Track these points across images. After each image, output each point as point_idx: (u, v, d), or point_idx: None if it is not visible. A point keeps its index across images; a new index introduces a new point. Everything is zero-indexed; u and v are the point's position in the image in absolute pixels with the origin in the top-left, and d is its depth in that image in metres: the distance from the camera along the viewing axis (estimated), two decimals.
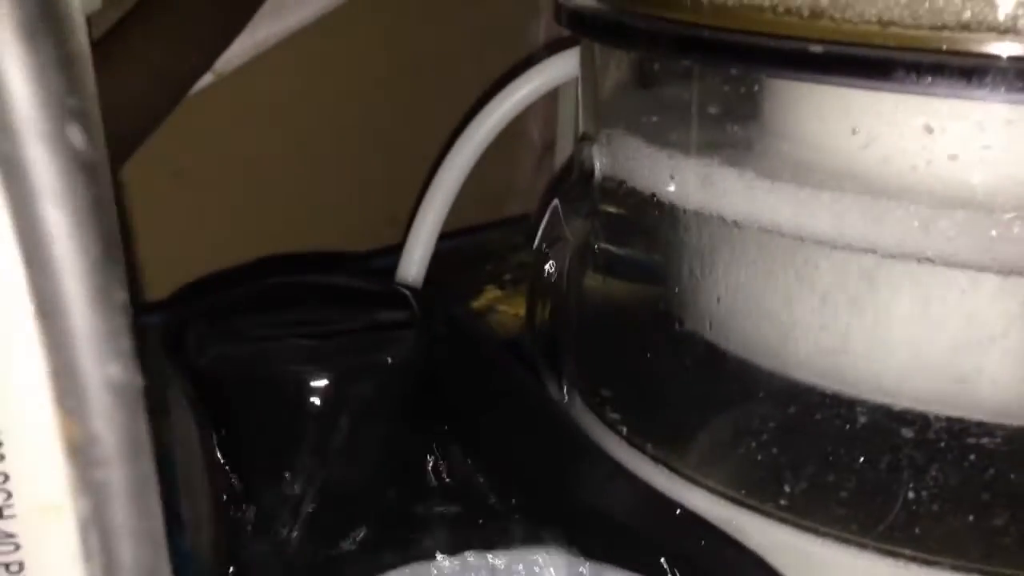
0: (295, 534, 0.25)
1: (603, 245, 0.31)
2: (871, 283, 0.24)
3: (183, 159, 0.43)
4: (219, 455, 0.25)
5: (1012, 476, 0.24)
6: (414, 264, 0.38)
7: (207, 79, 0.40)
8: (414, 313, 0.29)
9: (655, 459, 0.28)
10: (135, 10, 0.37)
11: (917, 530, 0.25)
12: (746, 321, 0.26)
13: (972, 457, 0.24)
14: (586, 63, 0.31)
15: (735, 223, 0.25)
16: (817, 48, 0.22)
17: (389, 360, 0.27)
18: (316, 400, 0.26)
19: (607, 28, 0.28)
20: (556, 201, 0.31)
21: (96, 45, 0.36)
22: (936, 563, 0.24)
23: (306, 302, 0.30)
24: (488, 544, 0.24)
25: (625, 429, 0.30)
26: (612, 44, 0.29)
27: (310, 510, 0.26)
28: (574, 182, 0.30)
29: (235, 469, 0.25)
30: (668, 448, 0.28)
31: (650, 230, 0.28)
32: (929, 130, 0.22)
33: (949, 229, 0.22)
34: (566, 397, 0.32)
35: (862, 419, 0.25)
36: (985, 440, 0.24)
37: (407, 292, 0.30)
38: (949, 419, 0.24)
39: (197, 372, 0.26)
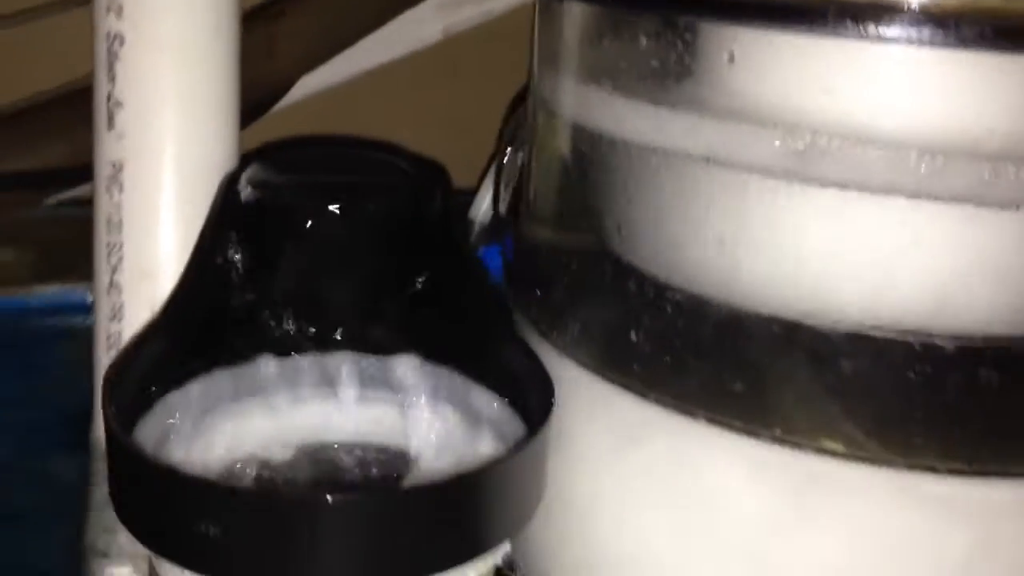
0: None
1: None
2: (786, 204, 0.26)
3: None
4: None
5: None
6: None
7: None
8: (411, 178, 0.35)
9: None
10: None
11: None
12: (656, 239, 0.28)
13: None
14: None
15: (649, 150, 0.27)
16: None
17: (374, 207, 0.34)
18: (318, 225, 0.33)
19: None
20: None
21: None
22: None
23: (335, 161, 0.37)
24: None
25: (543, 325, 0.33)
26: None
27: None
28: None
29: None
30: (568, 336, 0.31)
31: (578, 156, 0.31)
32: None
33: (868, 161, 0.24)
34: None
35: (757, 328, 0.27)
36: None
37: (417, 166, 0.36)
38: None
39: (239, 198, 0.34)
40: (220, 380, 0.33)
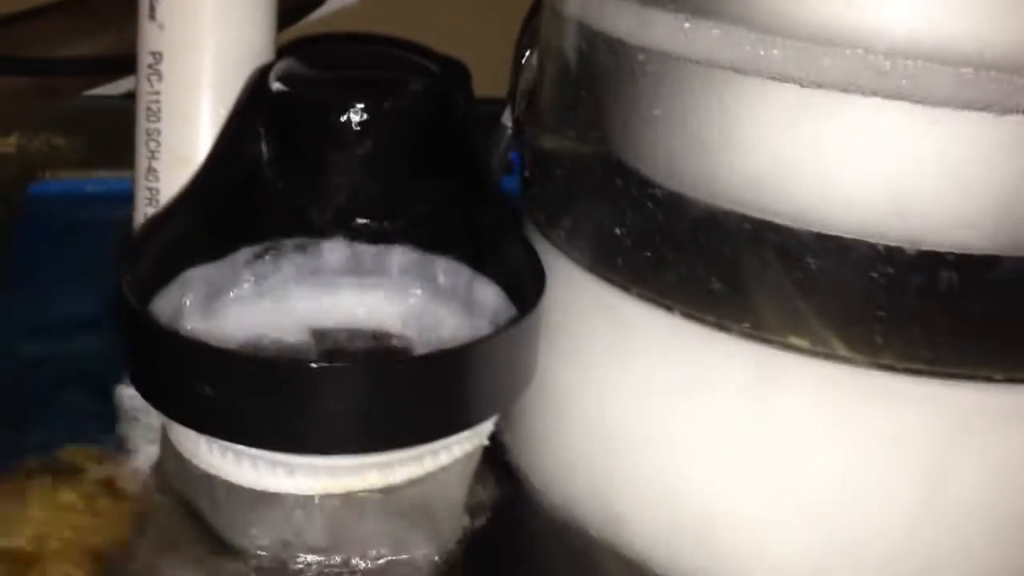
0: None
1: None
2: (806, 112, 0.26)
3: None
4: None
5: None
6: None
7: None
8: (435, 78, 0.37)
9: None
10: None
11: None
12: (639, 137, 0.29)
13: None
14: None
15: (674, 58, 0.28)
16: None
17: (397, 104, 0.35)
18: (342, 119, 0.35)
19: None
20: None
21: None
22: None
23: (364, 58, 0.39)
24: None
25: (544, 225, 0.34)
26: None
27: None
28: None
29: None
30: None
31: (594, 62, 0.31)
32: None
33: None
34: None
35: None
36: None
37: (443, 67, 0.37)
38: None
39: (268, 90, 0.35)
40: (237, 262, 0.35)
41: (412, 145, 0.37)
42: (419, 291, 0.36)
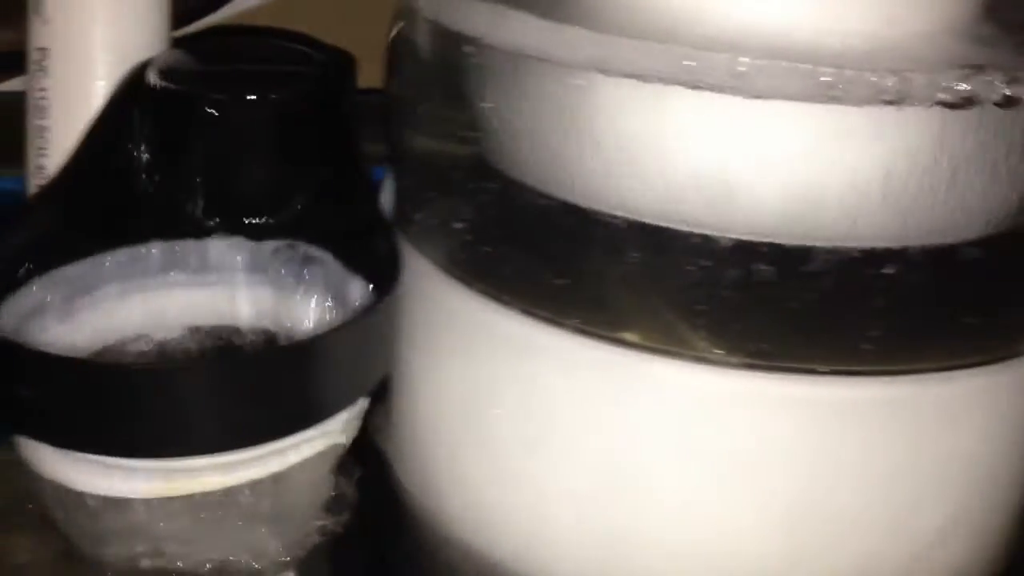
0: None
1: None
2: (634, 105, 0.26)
3: None
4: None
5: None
6: None
7: None
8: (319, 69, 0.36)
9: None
10: None
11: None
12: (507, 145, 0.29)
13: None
14: None
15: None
16: None
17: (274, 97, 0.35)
18: (217, 113, 0.34)
19: None
20: None
21: None
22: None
23: (250, 51, 0.39)
24: None
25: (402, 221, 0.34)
26: None
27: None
28: None
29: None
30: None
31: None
32: None
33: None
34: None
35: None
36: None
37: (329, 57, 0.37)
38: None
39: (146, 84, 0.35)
40: (107, 261, 0.35)
41: (290, 138, 0.36)
42: (294, 286, 0.36)
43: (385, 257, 0.33)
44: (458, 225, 0.30)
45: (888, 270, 0.25)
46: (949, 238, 0.25)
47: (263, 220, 0.36)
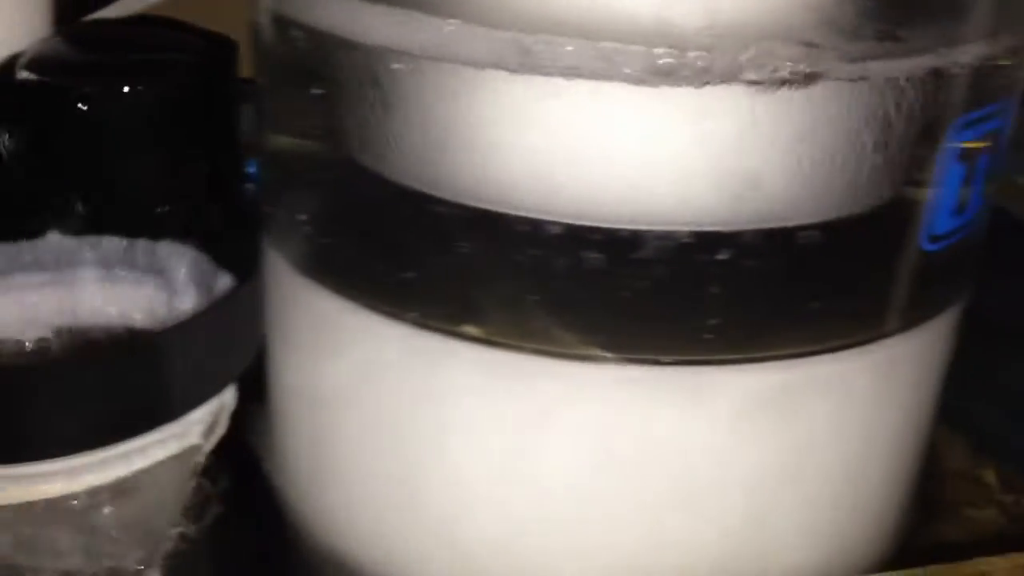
0: None
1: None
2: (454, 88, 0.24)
3: None
4: None
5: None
6: None
7: None
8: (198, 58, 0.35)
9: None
10: None
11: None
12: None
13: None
14: None
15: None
16: None
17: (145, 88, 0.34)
18: (82, 107, 0.33)
19: None
20: None
21: None
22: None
23: (130, 40, 0.37)
24: None
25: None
26: None
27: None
28: None
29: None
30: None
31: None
32: None
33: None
34: None
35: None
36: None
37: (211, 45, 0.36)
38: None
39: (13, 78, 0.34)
40: None
41: (165, 130, 0.35)
42: (166, 284, 0.35)
43: (249, 253, 0.32)
44: (300, 218, 0.28)
45: (722, 255, 0.24)
46: (787, 222, 0.24)
47: (137, 216, 0.35)
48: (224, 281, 0.33)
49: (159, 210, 0.35)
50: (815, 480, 0.27)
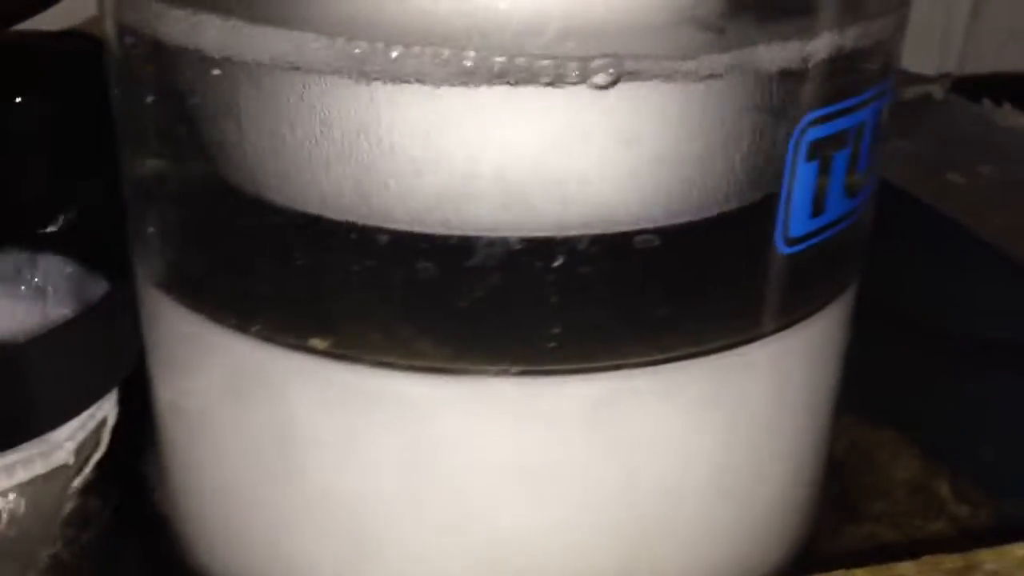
0: None
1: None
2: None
3: None
4: None
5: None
6: None
7: None
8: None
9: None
10: None
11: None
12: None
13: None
14: None
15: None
16: None
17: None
18: None
19: None
20: None
21: None
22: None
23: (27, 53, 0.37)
24: None
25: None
26: None
27: None
28: None
29: None
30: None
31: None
32: None
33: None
34: None
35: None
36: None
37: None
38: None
39: None
40: None
41: (56, 141, 0.35)
42: (41, 295, 0.34)
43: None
44: (150, 231, 0.28)
45: (557, 261, 0.23)
46: (623, 227, 0.23)
47: (26, 230, 0.34)
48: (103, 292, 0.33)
49: (39, 221, 0.34)
50: (695, 488, 0.26)
